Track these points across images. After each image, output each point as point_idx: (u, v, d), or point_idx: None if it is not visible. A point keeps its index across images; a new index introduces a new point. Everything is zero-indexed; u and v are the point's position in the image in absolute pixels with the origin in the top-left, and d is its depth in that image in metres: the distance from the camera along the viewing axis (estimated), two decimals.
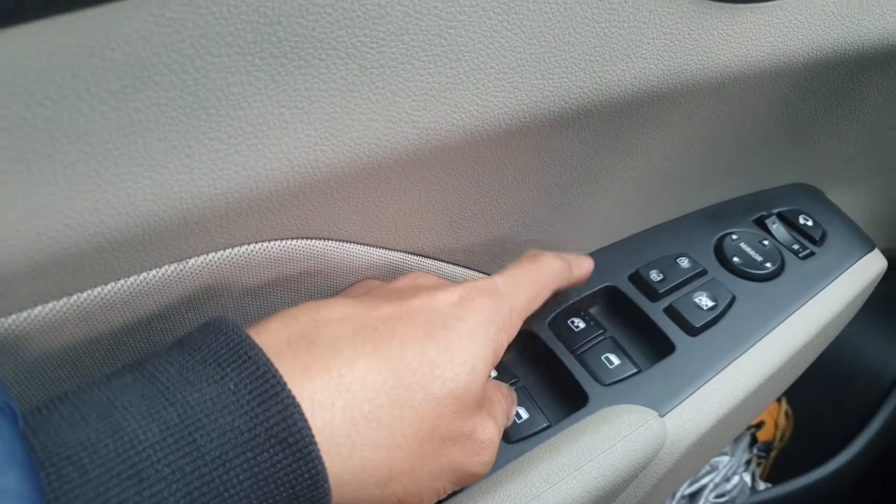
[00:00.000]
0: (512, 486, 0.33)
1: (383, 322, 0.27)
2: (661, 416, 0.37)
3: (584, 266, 0.39)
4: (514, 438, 0.36)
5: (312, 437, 0.22)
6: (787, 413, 0.75)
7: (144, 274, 0.26)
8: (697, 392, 0.38)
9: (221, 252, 0.27)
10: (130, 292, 0.26)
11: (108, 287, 0.25)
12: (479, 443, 0.29)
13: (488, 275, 0.40)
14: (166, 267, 0.26)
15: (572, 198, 0.38)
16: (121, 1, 0.19)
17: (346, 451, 0.24)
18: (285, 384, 0.23)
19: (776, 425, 0.74)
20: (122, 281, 0.25)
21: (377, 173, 0.28)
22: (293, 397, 0.22)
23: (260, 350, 0.23)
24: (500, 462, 0.33)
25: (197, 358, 0.23)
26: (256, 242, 0.28)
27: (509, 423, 0.36)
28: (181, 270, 0.26)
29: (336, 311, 0.27)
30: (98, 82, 0.20)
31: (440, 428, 0.27)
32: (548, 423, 0.37)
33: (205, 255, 0.27)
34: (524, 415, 0.37)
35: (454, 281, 0.31)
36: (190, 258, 0.26)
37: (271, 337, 0.25)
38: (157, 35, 0.20)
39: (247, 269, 0.28)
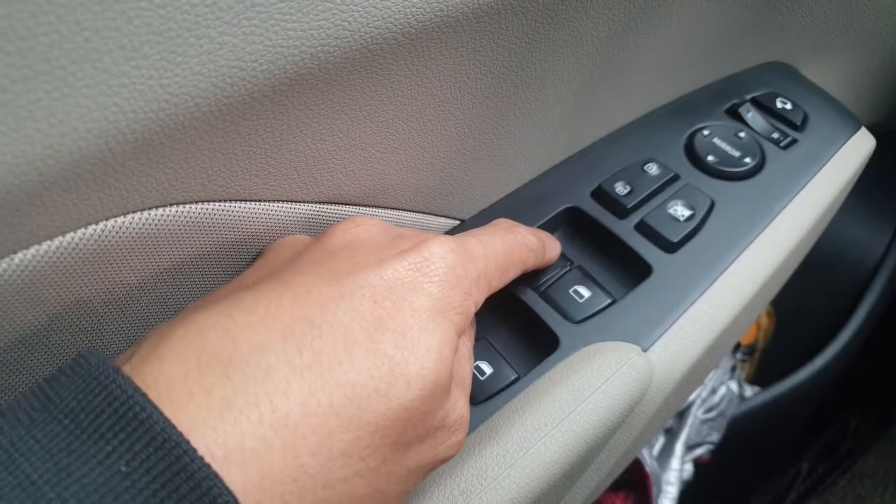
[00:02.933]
0: (482, 458, 0.28)
1: (321, 310, 0.21)
2: (645, 350, 0.32)
3: (555, 248, 0.34)
4: (480, 399, 0.31)
5: None
6: (768, 312, 0.72)
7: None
8: (682, 317, 0.34)
9: (114, 220, 0.21)
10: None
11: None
12: (450, 427, 0.23)
13: (442, 217, 0.34)
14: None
15: (516, 108, 0.32)
16: None
17: (294, 500, 0.18)
18: (195, 451, 0.16)
19: (758, 326, 0.70)
20: None
21: (263, 103, 0.22)
22: (209, 467, 0.16)
23: (154, 407, 0.17)
24: None
25: (70, 428, 0.16)
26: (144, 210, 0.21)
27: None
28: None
29: (256, 309, 0.20)
30: None
31: (406, 435, 0.21)
32: (516, 376, 0.32)
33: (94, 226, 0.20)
34: (487, 370, 0.32)
35: (406, 230, 0.25)
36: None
37: (175, 364, 0.18)
38: None
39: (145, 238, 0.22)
